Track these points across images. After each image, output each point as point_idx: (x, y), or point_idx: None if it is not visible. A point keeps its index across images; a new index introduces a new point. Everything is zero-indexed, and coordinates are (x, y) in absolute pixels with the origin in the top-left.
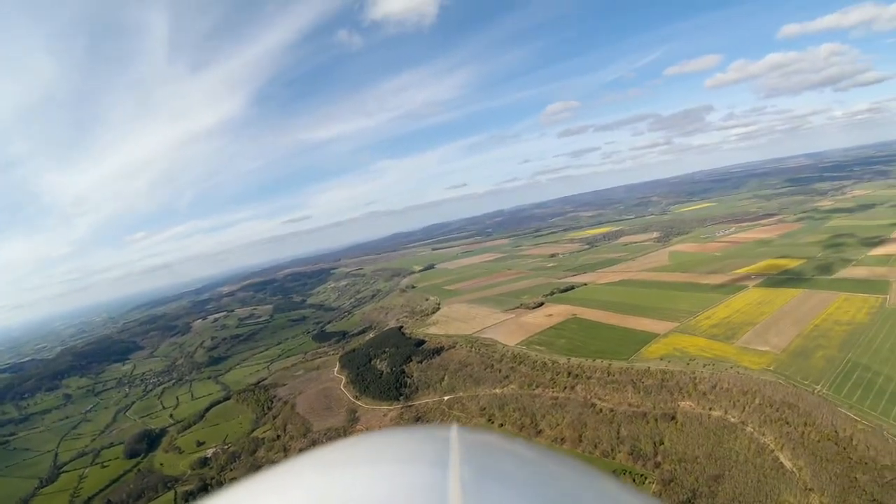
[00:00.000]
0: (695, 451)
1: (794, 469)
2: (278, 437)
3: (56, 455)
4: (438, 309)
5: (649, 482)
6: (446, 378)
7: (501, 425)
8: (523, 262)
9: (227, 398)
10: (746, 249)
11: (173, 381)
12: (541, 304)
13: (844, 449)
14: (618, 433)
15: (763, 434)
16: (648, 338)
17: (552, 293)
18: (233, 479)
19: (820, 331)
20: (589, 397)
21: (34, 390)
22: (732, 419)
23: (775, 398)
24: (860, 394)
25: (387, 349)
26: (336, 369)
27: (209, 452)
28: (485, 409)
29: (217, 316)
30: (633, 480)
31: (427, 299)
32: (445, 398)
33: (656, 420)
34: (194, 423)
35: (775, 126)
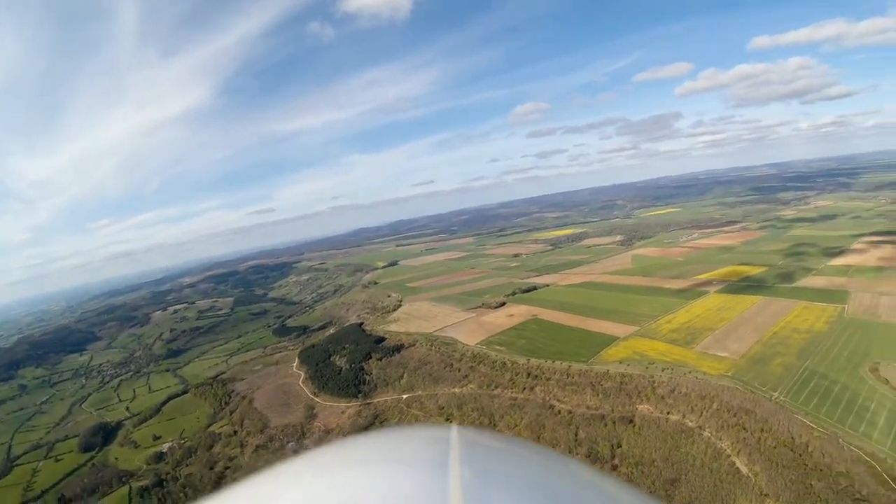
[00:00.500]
0: (652, 455)
1: (750, 474)
2: (235, 432)
3: (10, 448)
4: (400, 306)
5: None
6: (405, 376)
7: (460, 425)
8: (486, 261)
9: (184, 392)
10: (709, 255)
11: (131, 373)
12: (502, 304)
13: (800, 455)
14: (576, 435)
15: (720, 439)
16: (608, 340)
17: (514, 293)
18: (188, 475)
19: (779, 338)
20: (548, 399)
21: None
22: (690, 423)
23: (733, 403)
24: (817, 401)
25: (347, 345)
26: (295, 364)
27: (165, 447)
28: (443, 408)
29: (177, 307)
30: None
31: (389, 296)
32: (404, 396)
33: (614, 423)
34: (151, 417)
35: (742, 135)
